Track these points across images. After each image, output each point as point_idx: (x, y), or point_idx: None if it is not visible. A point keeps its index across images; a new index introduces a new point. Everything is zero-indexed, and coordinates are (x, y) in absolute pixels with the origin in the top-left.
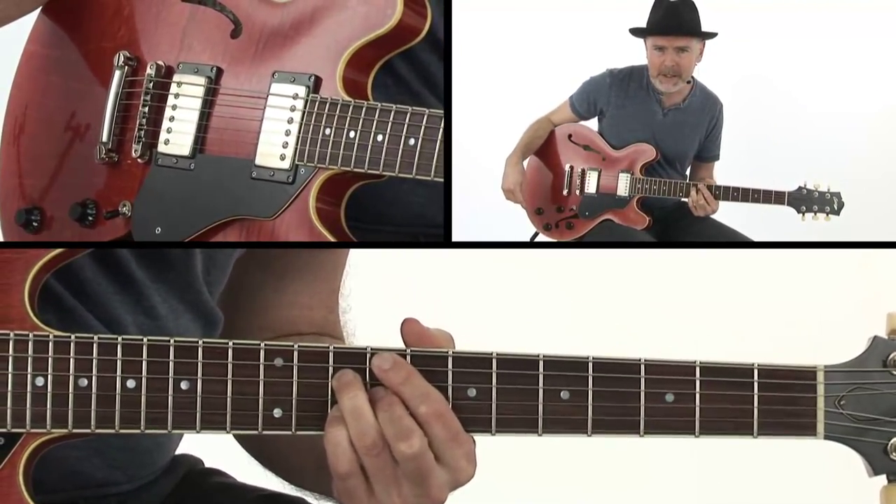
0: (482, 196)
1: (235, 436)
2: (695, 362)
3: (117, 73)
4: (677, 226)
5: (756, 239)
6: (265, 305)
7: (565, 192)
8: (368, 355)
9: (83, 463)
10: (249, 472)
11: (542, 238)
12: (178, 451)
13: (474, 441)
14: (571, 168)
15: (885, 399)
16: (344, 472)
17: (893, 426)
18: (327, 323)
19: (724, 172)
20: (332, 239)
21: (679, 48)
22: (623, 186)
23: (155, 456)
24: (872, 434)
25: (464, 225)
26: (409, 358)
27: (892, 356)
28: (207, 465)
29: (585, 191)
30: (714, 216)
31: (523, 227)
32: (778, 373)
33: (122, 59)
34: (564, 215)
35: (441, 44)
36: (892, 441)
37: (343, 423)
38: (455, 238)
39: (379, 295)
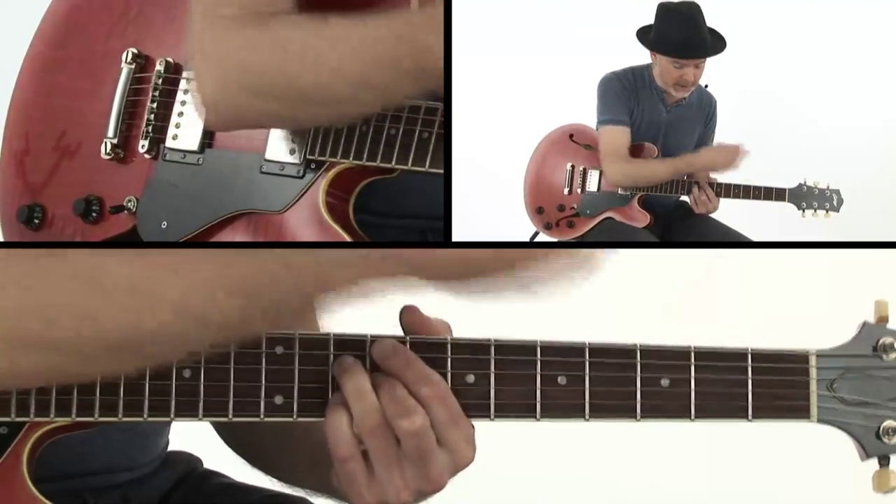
0: (482, 196)
1: (220, 433)
2: (689, 347)
3: (125, 70)
4: (679, 225)
5: (756, 236)
6: None
7: (566, 191)
8: (368, 342)
9: (86, 444)
10: (249, 472)
11: (542, 237)
12: (177, 449)
13: (474, 427)
14: (573, 167)
15: (875, 383)
16: (344, 456)
17: (884, 410)
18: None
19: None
20: (342, 232)
21: (696, 63)
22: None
23: (152, 439)
24: (864, 417)
25: (464, 225)
26: (408, 345)
27: (881, 341)
28: (207, 465)
29: (587, 189)
30: (715, 215)
31: (523, 227)
32: (771, 357)
33: (129, 56)
34: (565, 214)
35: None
36: (883, 424)
37: (343, 407)
38: (455, 238)
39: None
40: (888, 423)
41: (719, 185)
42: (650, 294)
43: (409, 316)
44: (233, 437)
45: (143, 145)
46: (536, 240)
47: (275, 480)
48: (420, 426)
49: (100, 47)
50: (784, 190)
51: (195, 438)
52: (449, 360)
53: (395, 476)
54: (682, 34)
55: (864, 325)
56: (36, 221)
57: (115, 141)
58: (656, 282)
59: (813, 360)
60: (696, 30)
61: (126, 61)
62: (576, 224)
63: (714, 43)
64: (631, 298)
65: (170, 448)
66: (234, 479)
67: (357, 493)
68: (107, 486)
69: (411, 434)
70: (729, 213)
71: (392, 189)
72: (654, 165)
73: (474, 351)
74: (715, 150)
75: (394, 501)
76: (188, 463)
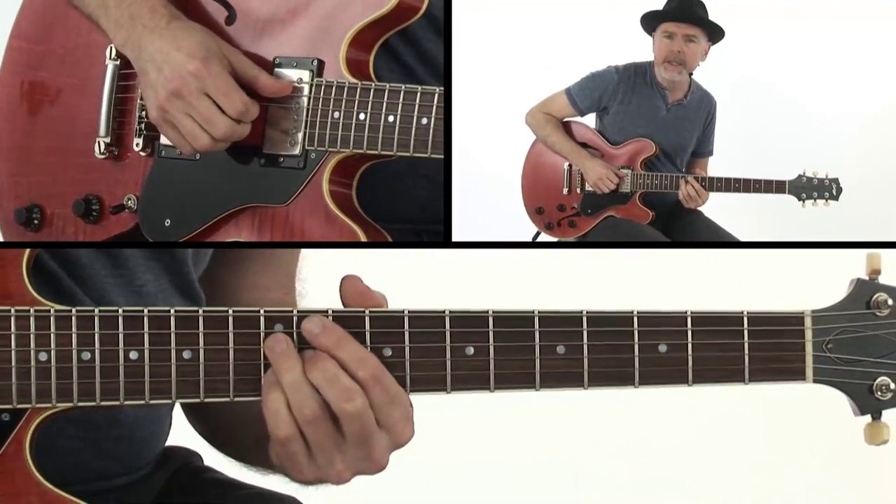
0: (482, 196)
1: (189, 419)
2: (686, 312)
3: (110, 66)
4: (679, 223)
5: (757, 229)
6: (230, 289)
7: (565, 191)
8: (367, 318)
9: (79, 454)
10: (243, 469)
11: (544, 237)
12: (176, 444)
13: (412, 403)
14: (570, 166)
15: (870, 340)
16: (284, 437)
17: (878, 367)
18: (283, 304)
19: (724, 166)
20: (347, 220)
21: (688, 37)
22: (624, 182)
23: (149, 445)
24: (858, 375)
25: (464, 225)
26: (406, 320)
27: (875, 297)
28: (207, 461)
29: (586, 188)
30: (713, 214)
31: (524, 227)
32: (766, 319)
33: (114, 51)
34: (566, 214)
35: (436, 20)
36: (877, 381)
37: (280, 388)
38: (455, 238)
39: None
40: (881, 379)
41: (719, 179)
42: (651, 294)
43: (349, 285)
44: (201, 422)
45: (136, 143)
46: (538, 240)
47: (233, 461)
48: (361, 406)
49: (82, 39)
50: (784, 182)
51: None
52: (448, 332)
53: (335, 459)
54: (673, 3)
55: (857, 281)
56: (35, 222)
57: (107, 140)
58: (659, 281)
59: (808, 322)
60: (687, 2)
61: (111, 58)
62: (577, 223)
63: (703, 14)
64: (632, 299)
65: (169, 443)
66: (226, 474)
67: (297, 471)
68: (101, 491)
69: (354, 416)
70: (729, 206)
71: (388, 194)
72: (557, 136)
73: (473, 323)
74: (600, 164)
75: (334, 482)
76: (184, 458)
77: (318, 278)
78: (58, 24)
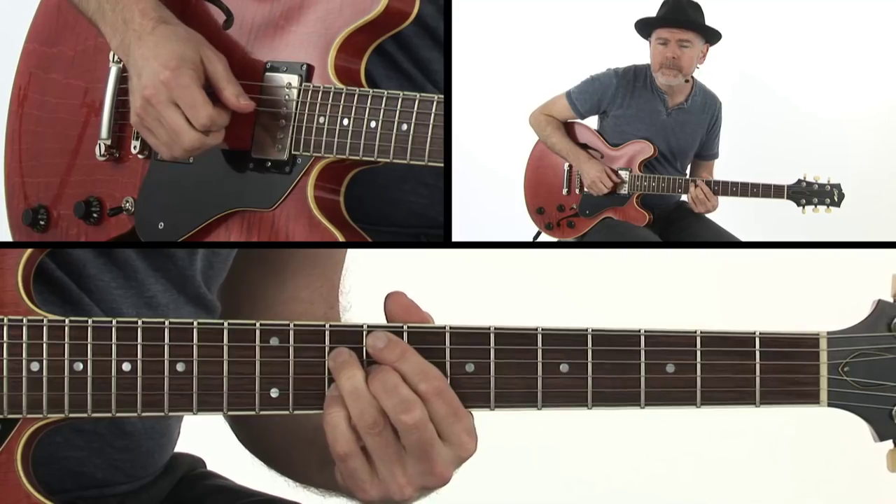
0: (482, 196)
1: (238, 436)
2: (695, 332)
3: (113, 69)
4: (678, 226)
5: (758, 236)
6: (266, 302)
7: (565, 191)
8: (365, 333)
9: (84, 463)
10: (251, 474)
11: (544, 237)
12: (182, 451)
13: (472, 416)
14: (570, 167)
15: (889, 363)
16: (343, 453)
17: None
18: (328, 319)
19: (723, 169)
20: (330, 227)
21: (682, 42)
22: (623, 184)
23: (156, 457)
24: (877, 400)
25: (464, 225)
26: (406, 335)
27: None
28: (210, 466)
29: (585, 189)
30: (713, 216)
31: (524, 227)
32: (780, 341)
33: (116, 55)
34: (565, 214)
35: (431, 28)
36: None
37: (341, 403)
38: (455, 238)
39: (378, 296)
40: None
41: (717, 182)
42: (652, 293)
43: (397, 301)
44: (248, 437)
45: (134, 146)
46: (539, 240)
47: (290, 482)
48: (419, 419)
49: (91, 42)
50: (783, 187)
51: (201, 439)
52: (448, 349)
53: (397, 473)
54: (665, 7)
55: (879, 302)
56: (41, 223)
57: (108, 142)
58: (658, 281)
59: (824, 343)
60: (679, 5)
61: (114, 60)
62: (576, 224)
63: (697, 18)
64: (632, 298)
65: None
66: (231, 480)
67: (360, 490)
68: (102, 497)
69: (412, 428)
70: (728, 213)
71: (384, 200)
72: (557, 137)
73: (474, 339)
74: (597, 165)
75: (398, 498)
76: (189, 465)
77: (361, 294)
78: (68, 27)
